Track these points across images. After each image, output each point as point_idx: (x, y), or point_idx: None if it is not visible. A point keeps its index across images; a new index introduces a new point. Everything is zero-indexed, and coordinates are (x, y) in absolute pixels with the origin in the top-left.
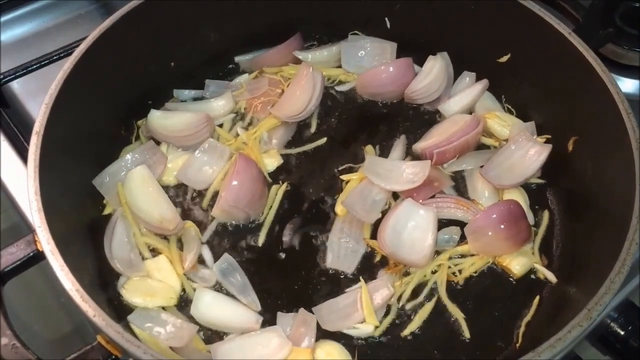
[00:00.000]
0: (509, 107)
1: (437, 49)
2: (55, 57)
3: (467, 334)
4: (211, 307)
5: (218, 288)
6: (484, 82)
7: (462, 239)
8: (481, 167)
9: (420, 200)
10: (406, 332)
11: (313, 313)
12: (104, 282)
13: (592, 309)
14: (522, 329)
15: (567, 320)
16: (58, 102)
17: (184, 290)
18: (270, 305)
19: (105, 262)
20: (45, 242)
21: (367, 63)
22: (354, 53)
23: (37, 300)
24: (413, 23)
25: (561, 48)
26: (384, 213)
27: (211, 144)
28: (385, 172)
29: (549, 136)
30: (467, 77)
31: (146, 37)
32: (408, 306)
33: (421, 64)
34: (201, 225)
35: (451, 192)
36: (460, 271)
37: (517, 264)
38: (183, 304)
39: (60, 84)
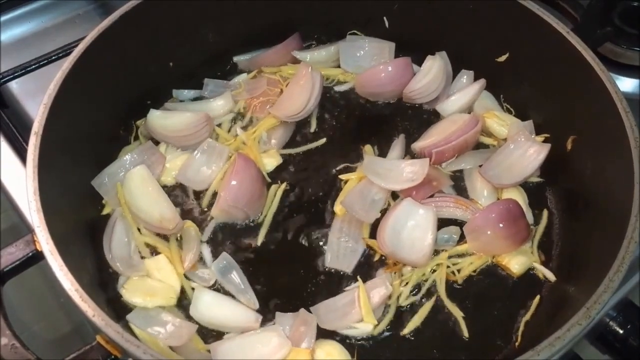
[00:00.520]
0: (508, 106)
1: (436, 49)
2: (54, 57)
3: (466, 333)
4: (210, 306)
5: (218, 288)
6: (482, 82)
7: (462, 238)
8: (480, 166)
9: (420, 200)
10: (405, 331)
11: (311, 312)
12: (103, 282)
13: (591, 307)
14: (521, 328)
15: (566, 319)
16: (57, 102)
17: (183, 289)
18: (269, 304)
19: (105, 262)
20: (45, 242)
21: (366, 63)
22: (353, 53)
23: (36, 300)
24: (412, 22)
25: (560, 47)
26: (383, 213)
27: (210, 144)
28: (384, 171)
29: (548, 135)
30: (465, 75)
31: (145, 37)
32: (407, 305)
33: (420, 64)
34: (200, 225)
35: (450, 192)
36: (459, 270)
37: (516, 263)
38: (183, 304)
39: (59, 84)
